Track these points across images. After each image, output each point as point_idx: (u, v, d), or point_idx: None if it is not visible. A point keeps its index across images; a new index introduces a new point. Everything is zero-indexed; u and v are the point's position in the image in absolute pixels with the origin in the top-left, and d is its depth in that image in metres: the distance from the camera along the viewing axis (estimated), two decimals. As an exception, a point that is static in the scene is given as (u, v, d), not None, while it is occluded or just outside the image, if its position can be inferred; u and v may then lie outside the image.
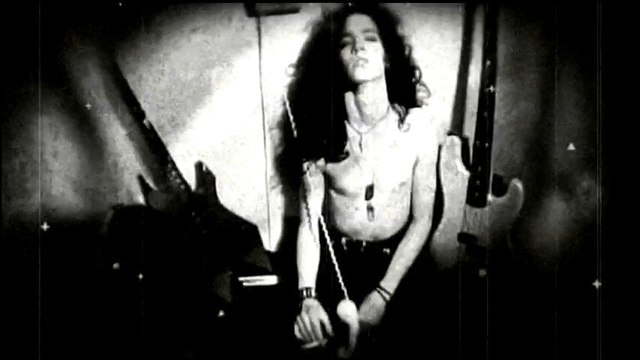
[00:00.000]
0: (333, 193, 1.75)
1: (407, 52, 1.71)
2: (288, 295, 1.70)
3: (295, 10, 1.81)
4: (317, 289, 1.66)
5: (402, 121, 1.67)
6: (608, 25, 1.50)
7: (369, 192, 1.69)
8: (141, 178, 1.89)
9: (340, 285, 1.58)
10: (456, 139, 1.72)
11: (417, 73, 1.72)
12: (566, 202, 1.70)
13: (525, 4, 1.72)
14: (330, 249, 1.64)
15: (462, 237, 1.75)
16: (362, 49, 1.55)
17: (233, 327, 1.79)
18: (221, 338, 1.76)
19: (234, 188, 1.97)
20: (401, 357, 1.58)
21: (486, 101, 1.62)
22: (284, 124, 1.83)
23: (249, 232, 1.95)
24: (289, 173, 1.90)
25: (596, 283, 1.50)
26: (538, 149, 1.77)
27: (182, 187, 1.85)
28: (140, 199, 1.91)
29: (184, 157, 1.91)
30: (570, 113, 1.66)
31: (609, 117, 1.55)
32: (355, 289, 1.60)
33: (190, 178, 1.91)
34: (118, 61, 1.76)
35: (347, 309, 1.55)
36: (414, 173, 1.72)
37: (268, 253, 1.99)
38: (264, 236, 1.99)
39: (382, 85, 1.64)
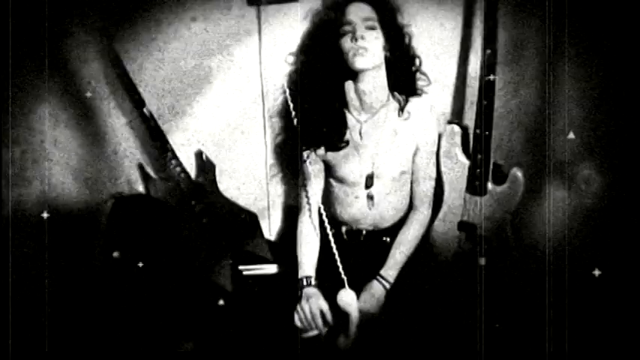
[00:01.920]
0: (333, 181, 1.75)
1: (407, 41, 1.70)
2: (288, 284, 1.70)
3: (295, -1, 1.81)
4: (317, 278, 1.66)
5: (402, 109, 1.67)
6: (608, 15, 1.50)
7: (369, 180, 1.69)
8: (141, 167, 1.89)
9: (340, 273, 1.58)
10: (456, 128, 1.72)
11: (417, 62, 1.72)
12: (566, 191, 1.69)
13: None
14: (330, 237, 1.64)
15: (462, 225, 1.75)
16: (362, 37, 1.55)
17: (233, 316, 1.79)
18: (221, 327, 1.76)
19: (234, 177, 1.97)
20: (401, 345, 1.58)
21: (486, 90, 1.62)
22: (284, 113, 1.83)
23: (249, 220, 1.94)
24: (289, 162, 1.90)
25: (596, 272, 1.50)
26: (538, 137, 1.76)
27: (182, 175, 1.85)
28: (140, 188, 1.91)
29: (184, 146, 1.91)
30: (570, 101, 1.66)
31: (609, 105, 1.55)
32: (355, 277, 1.60)
33: (190, 166, 1.91)
34: (118, 50, 1.75)
35: (347, 297, 1.55)
36: (414, 162, 1.72)
37: (268, 241, 1.99)
38: (264, 225, 1.99)
39: (382, 73, 1.64)
